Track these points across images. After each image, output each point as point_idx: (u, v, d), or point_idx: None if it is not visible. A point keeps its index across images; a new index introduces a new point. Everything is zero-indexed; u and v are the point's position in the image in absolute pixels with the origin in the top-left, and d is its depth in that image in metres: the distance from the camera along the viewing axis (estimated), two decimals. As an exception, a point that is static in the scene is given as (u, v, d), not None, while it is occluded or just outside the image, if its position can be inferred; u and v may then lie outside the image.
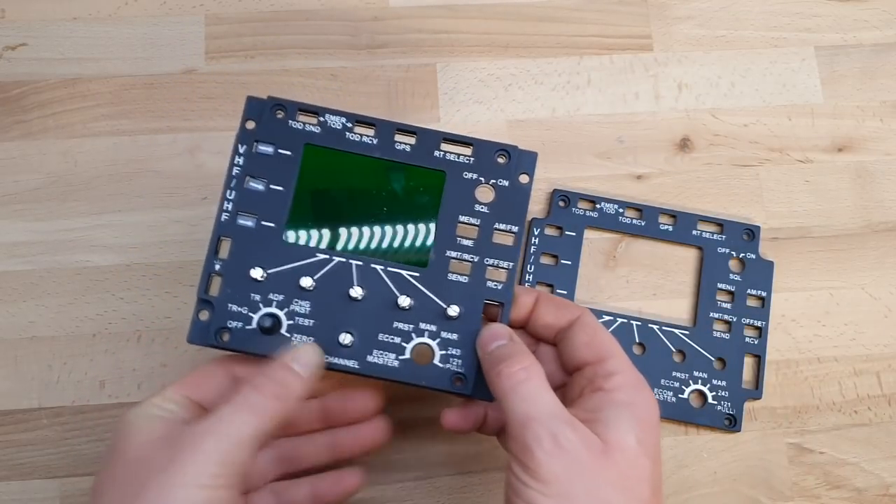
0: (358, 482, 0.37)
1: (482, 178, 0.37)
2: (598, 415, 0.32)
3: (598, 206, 0.46)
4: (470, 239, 0.36)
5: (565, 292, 0.45)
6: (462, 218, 0.36)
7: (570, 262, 0.45)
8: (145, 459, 0.30)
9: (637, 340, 0.44)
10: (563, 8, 0.50)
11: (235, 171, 0.36)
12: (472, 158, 0.37)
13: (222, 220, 0.36)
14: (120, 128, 0.46)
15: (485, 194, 0.37)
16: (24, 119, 0.46)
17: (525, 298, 0.36)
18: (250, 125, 0.36)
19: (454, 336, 0.36)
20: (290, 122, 0.36)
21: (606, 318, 0.44)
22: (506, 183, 0.37)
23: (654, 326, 0.44)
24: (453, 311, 0.35)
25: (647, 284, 0.46)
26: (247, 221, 0.36)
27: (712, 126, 0.48)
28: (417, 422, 0.43)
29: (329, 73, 0.48)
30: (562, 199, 0.46)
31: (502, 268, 0.36)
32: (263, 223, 0.36)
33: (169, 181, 0.46)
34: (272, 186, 0.36)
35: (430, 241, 0.36)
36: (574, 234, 0.45)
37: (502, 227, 0.37)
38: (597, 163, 0.47)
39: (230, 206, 0.36)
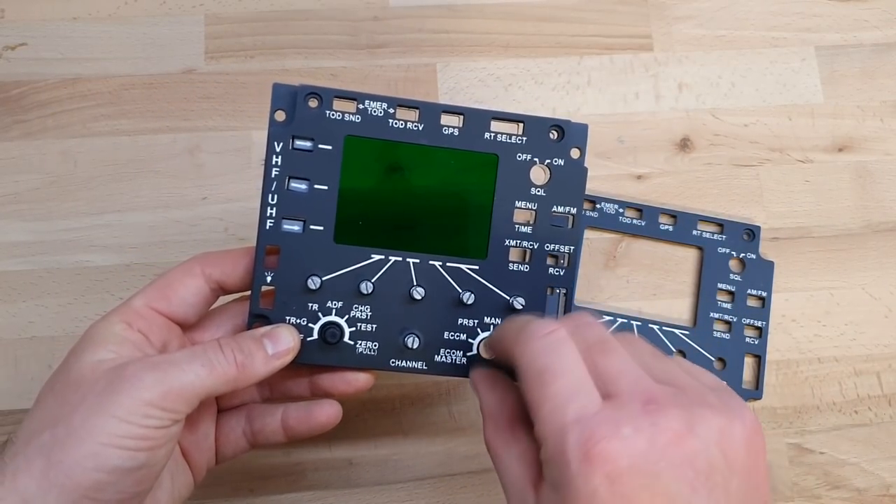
0: (329, 417, 0.35)
1: (536, 159, 0.35)
2: None
3: (598, 206, 0.46)
4: (527, 225, 0.35)
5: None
6: (518, 203, 0.35)
7: (570, 262, 0.45)
8: (87, 381, 0.29)
9: (637, 340, 0.44)
10: (563, 8, 0.50)
11: (274, 172, 0.33)
12: (523, 138, 0.35)
13: (267, 227, 0.33)
14: (120, 128, 0.46)
15: (539, 175, 0.35)
16: (24, 119, 0.46)
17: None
18: (280, 116, 0.33)
19: None
20: (328, 112, 0.33)
21: (606, 318, 0.44)
22: (561, 162, 0.35)
23: (655, 327, 0.44)
24: (518, 303, 0.35)
25: (647, 284, 0.46)
26: (293, 227, 0.34)
27: (712, 126, 0.48)
28: (417, 422, 0.43)
29: (329, 73, 0.48)
30: (562, 199, 0.46)
31: (563, 252, 0.35)
32: (311, 227, 0.34)
33: (169, 181, 0.46)
34: (315, 186, 0.34)
35: (486, 231, 0.35)
36: (574, 234, 0.45)
37: (560, 209, 0.35)
38: (597, 163, 0.47)
39: (273, 212, 0.33)
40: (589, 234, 0.46)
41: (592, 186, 0.47)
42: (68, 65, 0.47)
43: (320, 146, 0.34)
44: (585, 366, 0.26)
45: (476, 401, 0.43)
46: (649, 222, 0.46)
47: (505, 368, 0.32)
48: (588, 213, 0.46)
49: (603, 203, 0.46)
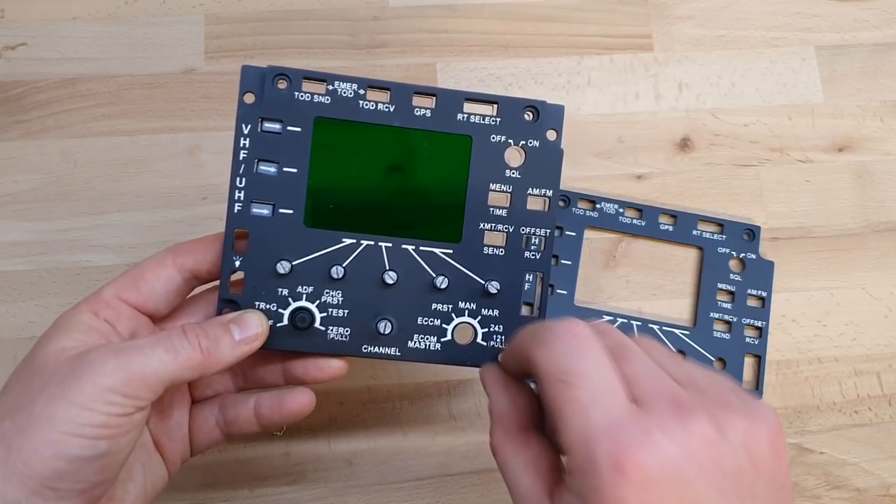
0: (301, 405, 0.34)
1: (511, 141, 0.34)
2: None
3: (598, 206, 0.46)
4: (502, 208, 0.34)
5: (565, 292, 0.45)
6: (493, 186, 0.34)
7: (570, 262, 0.45)
8: (50, 368, 0.29)
9: (637, 340, 0.44)
10: (563, 8, 0.50)
11: (242, 154, 0.33)
12: (497, 119, 0.34)
13: (235, 210, 0.33)
14: (119, 128, 0.46)
15: (514, 157, 0.34)
16: (24, 119, 0.46)
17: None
18: (249, 98, 0.33)
19: (495, 312, 0.34)
20: (297, 93, 0.33)
21: (606, 318, 0.44)
22: (536, 143, 0.34)
23: (655, 327, 0.44)
24: (493, 287, 0.34)
25: (647, 284, 0.46)
26: (262, 210, 0.33)
27: (712, 126, 0.48)
28: (417, 422, 0.43)
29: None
30: (562, 199, 0.46)
31: (539, 236, 0.35)
32: (280, 211, 0.33)
33: (169, 181, 0.46)
34: (285, 169, 0.33)
35: (460, 214, 0.34)
36: (574, 234, 0.45)
37: (535, 191, 0.35)
38: (597, 163, 0.47)
39: (241, 195, 0.33)
40: (589, 234, 0.46)
41: (592, 186, 0.47)
42: (68, 65, 0.47)
43: (289, 128, 0.33)
44: (612, 367, 0.25)
45: (477, 400, 0.43)
46: (649, 222, 0.46)
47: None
48: (588, 213, 0.46)
49: (603, 203, 0.46)
